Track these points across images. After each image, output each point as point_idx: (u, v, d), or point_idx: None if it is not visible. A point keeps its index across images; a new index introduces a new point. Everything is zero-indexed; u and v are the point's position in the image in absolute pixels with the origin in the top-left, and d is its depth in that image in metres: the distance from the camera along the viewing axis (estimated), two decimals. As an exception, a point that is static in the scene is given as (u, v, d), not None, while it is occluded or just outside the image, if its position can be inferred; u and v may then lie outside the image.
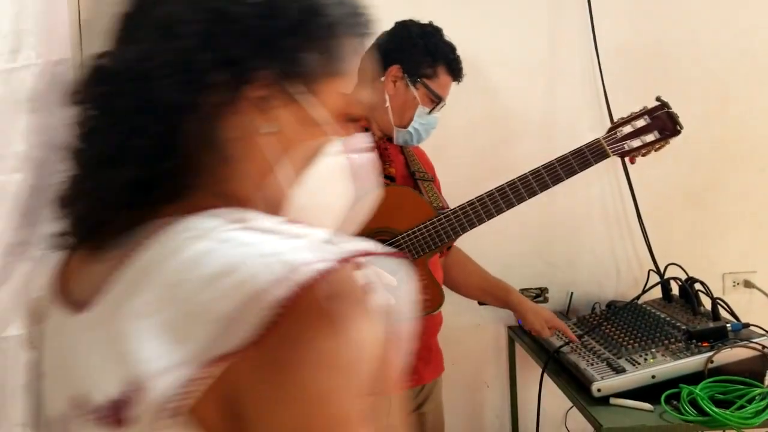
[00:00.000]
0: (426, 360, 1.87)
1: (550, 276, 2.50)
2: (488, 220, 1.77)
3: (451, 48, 1.88)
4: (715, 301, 1.93)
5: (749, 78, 2.48)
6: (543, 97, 2.46)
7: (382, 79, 1.83)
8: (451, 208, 1.77)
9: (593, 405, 1.69)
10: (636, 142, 1.74)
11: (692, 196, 2.49)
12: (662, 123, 1.74)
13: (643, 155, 1.76)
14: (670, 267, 2.23)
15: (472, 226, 1.76)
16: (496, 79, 2.43)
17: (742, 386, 1.64)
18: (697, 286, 2.07)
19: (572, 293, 2.46)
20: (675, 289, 2.16)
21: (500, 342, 2.50)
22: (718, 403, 1.60)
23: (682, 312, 2.02)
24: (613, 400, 1.69)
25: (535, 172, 1.76)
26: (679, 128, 1.75)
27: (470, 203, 1.77)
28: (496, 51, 2.42)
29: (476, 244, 2.38)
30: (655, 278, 2.24)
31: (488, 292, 2.05)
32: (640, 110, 1.76)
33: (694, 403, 1.60)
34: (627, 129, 1.74)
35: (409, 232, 1.73)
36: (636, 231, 2.44)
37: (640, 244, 2.44)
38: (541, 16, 2.44)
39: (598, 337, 1.97)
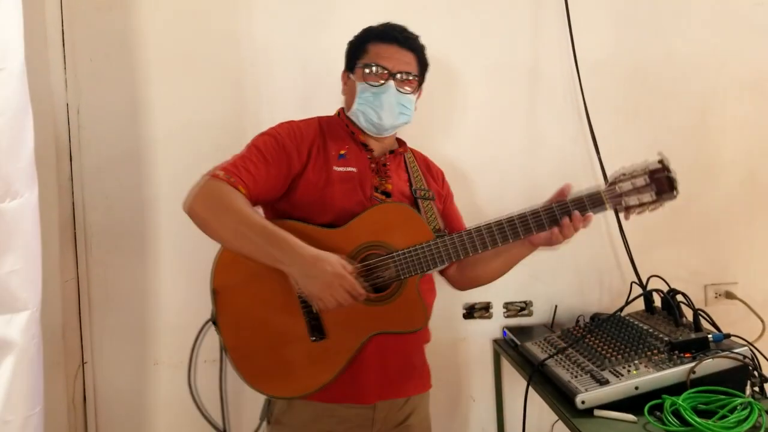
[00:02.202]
0: (407, 375, 1.86)
1: (534, 289, 2.52)
2: (483, 251, 1.74)
3: (378, 26, 1.87)
4: (696, 312, 1.94)
5: (727, 91, 2.52)
6: (524, 112, 2.48)
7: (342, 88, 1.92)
8: (450, 234, 1.75)
9: (578, 417, 1.70)
10: (633, 200, 1.72)
11: (673, 208, 2.47)
12: (660, 184, 1.72)
13: (638, 214, 1.74)
14: (652, 279, 2.26)
15: (466, 255, 1.73)
16: (476, 94, 2.45)
17: (724, 396, 1.66)
18: (679, 297, 2.09)
19: (556, 306, 2.48)
20: (657, 301, 2.18)
21: (486, 355, 2.51)
22: (701, 414, 1.61)
23: (664, 323, 2.03)
24: (597, 412, 1.70)
25: (534, 213, 1.73)
26: (675, 193, 1.71)
27: (467, 233, 1.73)
28: (477, 67, 2.45)
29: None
30: (637, 290, 2.26)
31: (505, 251, 1.87)
32: (642, 168, 1.74)
33: (677, 414, 1.61)
34: (626, 185, 1.72)
35: (404, 250, 1.71)
36: (618, 244, 2.46)
37: (622, 256, 2.46)
38: (522, 33, 2.47)
39: (582, 349, 1.98)
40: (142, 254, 2.36)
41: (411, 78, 1.84)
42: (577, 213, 1.71)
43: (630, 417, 1.66)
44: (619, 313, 2.15)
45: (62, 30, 2.34)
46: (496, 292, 2.50)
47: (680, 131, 2.51)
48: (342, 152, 1.82)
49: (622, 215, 1.76)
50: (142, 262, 2.37)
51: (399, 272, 1.71)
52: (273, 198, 1.78)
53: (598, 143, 2.43)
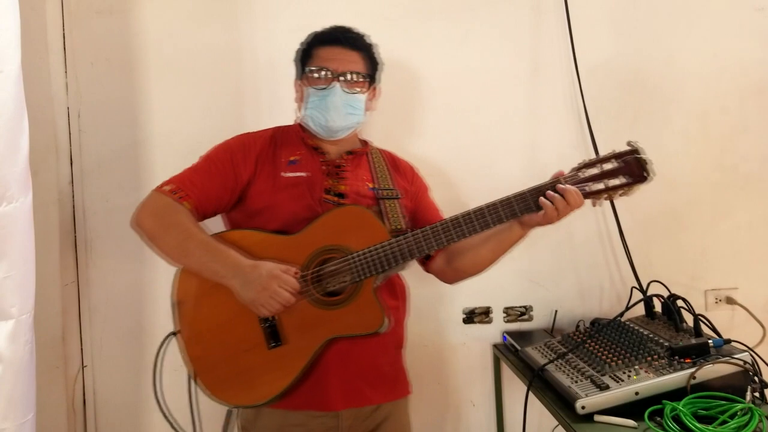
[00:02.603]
0: (375, 382, 1.82)
1: (534, 294, 2.52)
2: (439, 248, 1.73)
3: (319, 30, 1.89)
4: (697, 317, 1.94)
5: (728, 97, 2.52)
6: (524, 118, 2.48)
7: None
8: (406, 233, 1.74)
9: (578, 422, 1.70)
10: (599, 185, 1.69)
11: (674, 213, 2.52)
12: (630, 168, 1.68)
13: (606, 199, 1.71)
14: (652, 284, 2.25)
15: (421, 252, 1.72)
16: (477, 100, 2.45)
17: (724, 402, 1.66)
18: (680, 302, 2.08)
19: (556, 311, 2.48)
20: (658, 306, 2.18)
21: (486, 360, 2.51)
22: (701, 419, 1.60)
23: (664, 329, 2.03)
24: (597, 417, 1.70)
25: (491, 206, 1.72)
26: (646, 174, 1.66)
27: (423, 230, 1.72)
28: (478, 73, 2.45)
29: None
30: (638, 295, 2.26)
31: (493, 236, 1.83)
32: (610, 153, 1.71)
33: (677, 420, 1.61)
34: (593, 171, 1.69)
35: (358, 252, 1.71)
36: (619, 249, 2.46)
37: (623, 261, 2.46)
38: (522, 39, 2.47)
39: (582, 354, 1.98)
40: (142, 258, 2.35)
41: (358, 78, 1.83)
42: (567, 191, 1.68)
43: (630, 422, 1.66)
44: (619, 318, 2.15)
45: (63, 34, 2.34)
46: (496, 297, 2.50)
47: (680, 137, 2.51)
48: (293, 158, 1.83)
49: (589, 201, 1.72)
50: (142, 266, 2.37)
51: (354, 275, 1.71)
52: (223, 209, 1.82)
53: (599, 149, 2.43)
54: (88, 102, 2.35)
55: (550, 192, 1.70)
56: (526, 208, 1.72)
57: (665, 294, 2.14)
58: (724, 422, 1.59)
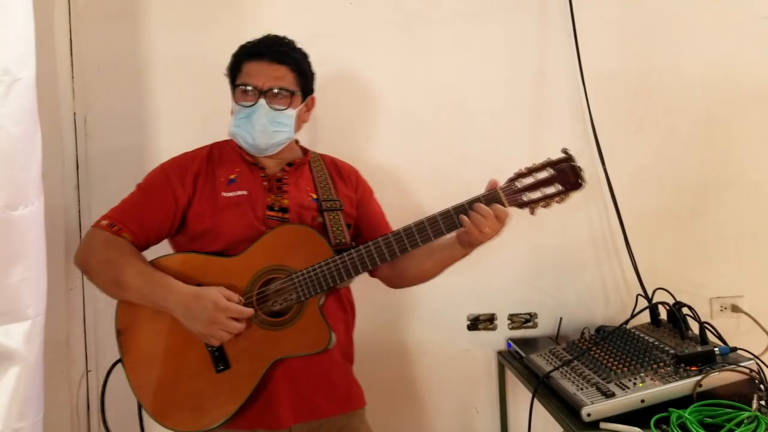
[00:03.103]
0: (326, 395, 1.78)
1: (539, 302, 2.52)
2: (382, 263, 1.71)
3: (251, 41, 1.84)
4: (702, 325, 1.94)
5: (733, 103, 2.52)
6: (530, 124, 2.48)
7: None
8: (349, 249, 1.73)
9: (583, 430, 1.69)
10: (536, 194, 1.68)
11: (679, 221, 2.52)
12: (566, 176, 1.68)
13: (544, 207, 1.69)
14: (658, 292, 2.25)
15: (365, 268, 1.72)
16: (481, 106, 2.46)
17: (730, 410, 1.65)
18: (685, 310, 2.08)
19: (561, 318, 2.47)
20: (663, 314, 2.17)
21: (490, 367, 2.50)
22: (707, 427, 1.60)
23: (670, 336, 2.03)
24: (603, 425, 1.69)
25: (431, 219, 1.69)
26: (580, 182, 1.67)
27: (365, 246, 1.71)
28: (482, 79, 2.46)
29: (464, 271, 2.39)
30: (643, 303, 2.25)
31: (437, 252, 1.81)
32: (544, 162, 1.70)
33: (683, 427, 1.60)
34: (528, 180, 1.68)
35: (302, 271, 1.69)
36: (624, 256, 2.45)
37: (628, 269, 2.45)
38: (528, 46, 2.47)
39: (588, 361, 1.98)
40: (148, 263, 2.36)
41: (285, 93, 1.79)
42: (481, 209, 1.65)
43: (636, 430, 1.65)
44: (624, 325, 2.14)
45: (70, 39, 2.35)
46: (500, 304, 2.50)
47: (686, 144, 2.51)
48: (232, 177, 1.79)
49: (526, 210, 1.70)
50: (147, 271, 2.37)
51: (298, 294, 1.69)
52: (166, 235, 1.80)
53: (604, 156, 2.43)
54: (95, 107, 2.36)
55: (471, 211, 1.67)
56: (451, 226, 1.69)
57: (671, 301, 2.13)
58: (731, 430, 1.58)
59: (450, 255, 1.81)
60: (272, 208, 1.77)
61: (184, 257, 1.73)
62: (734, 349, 1.84)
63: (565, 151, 1.70)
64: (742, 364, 1.74)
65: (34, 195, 1.67)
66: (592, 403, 1.71)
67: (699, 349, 1.85)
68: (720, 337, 1.96)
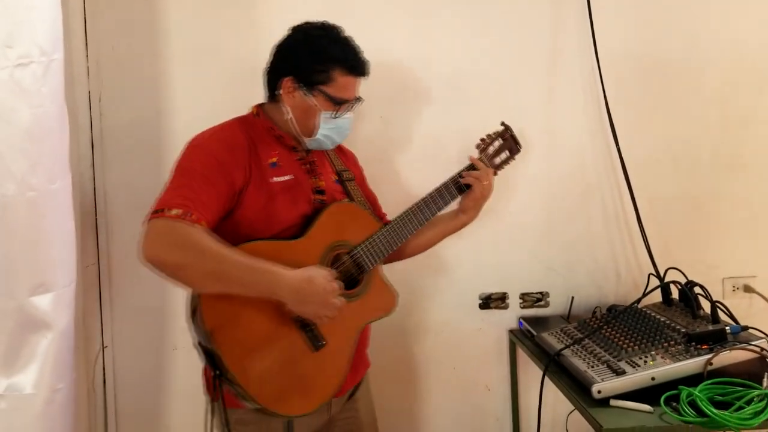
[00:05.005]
0: (364, 361, 1.95)
1: (551, 281, 2.52)
2: (421, 226, 1.92)
3: (341, 46, 1.78)
4: (714, 304, 1.94)
5: (748, 83, 2.50)
6: (544, 105, 2.48)
7: (279, 92, 1.79)
8: (395, 217, 1.91)
9: (593, 407, 1.71)
10: (498, 159, 2.08)
11: (692, 200, 2.51)
12: (511, 144, 2.09)
13: (501, 169, 2.09)
14: (670, 271, 2.25)
15: (410, 233, 1.91)
16: (497, 88, 2.45)
17: (740, 388, 1.66)
18: (697, 289, 2.08)
19: (573, 297, 2.48)
20: (675, 293, 2.18)
21: (501, 345, 2.52)
22: (717, 405, 1.61)
23: (681, 315, 2.03)
24: (613, 402, 1.71)
25: (444, 184, 1.98)
26: (519, 147, 2.11)
27: (405, 213, 1.91)
28: (498, 60, 2.45)
29: (477, 251, 2.41)
30: (655, 282, 2.25)
31: (440, 222, 2.03)
32: (492, 135, 2.08)
33: (693, 405, 1.61)
34: (491, 149, 2.07)
35: (362, 244, 1.81)
36: (636, 235, 2.45)
37: (640, 248, 2.45)
38: (543, 26, 2.46)
39: (599, 340, 1.99)
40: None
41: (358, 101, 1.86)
42: (479, 165, 2.01)
43: (646, 407, 1.66)
44: (636, 304, 2.15)
45: (84, 18, 2.36)
46: (512, 283, 2.51)
47: (700, 124, 2.50)
48: (273, 160, 1.76)
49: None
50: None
51: (365, 264, 1.81)
52: (222, 220, 1.70)
53: (618, 136, 2.42)
54: (109, 86, 2.37)
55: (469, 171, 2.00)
56: (460, 189, 1.99)
57: (683, 281, 2.13)
58: (741, 408, 1.59)
59: (452, 224, 2.05)
60: (315, 192, 1.81)
61: (254, 245, 1.65)
62: (745, 328, 1.84)
63: (503, 123, 2.11)
64: (753, 343, 1.75)
65: (66, 170, 1.79)
66: (603, 380, 1.73)
67: (710, 327, 1.86)
68: (731, 316, 1.96)
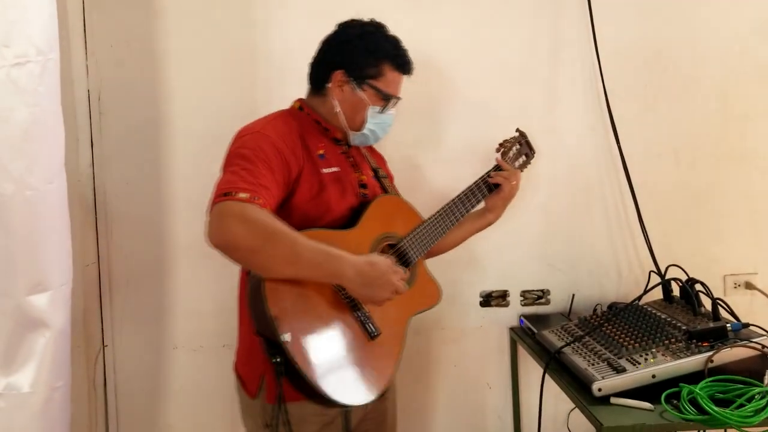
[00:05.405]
0: None
1: (552, 278, 2.52)
2: (457, 222, 1.99)
3: (393, 44, 1.84)
4: (715, 301, 1.93)
5: (749, 79, 2.49)
6: (544, 102, 2.47)
7: (329, 85, 1.81)
8: (432, 214, 1.95)
9: (594, 404, 1.70)
10: (518, 162, 2.20)
11: (693, 197, 2.50)
12: (527, 148, 2.21)
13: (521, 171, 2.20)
14: (671, 268, 2.24)
15: (450, 227, 1.97)
16: (494, 80, 2.44)
17: (741, 385, 1.65)
18: (698, 287, 2.07)
19: (574, 295, 2.48)
20: (676, 291, 2.17)
21: (502, 343, 2.51)
22: (718, 402, 1.60)
23: (682, 312, 2.02)
24: (613, 400, 1.70)
25: (475, 184, 2.05)
26: (533, 152, 2.23)
27: (448, 206, 1.97)
28: (497, 55, 2.44)
29: (478, 248, 2.40)
30: (656, 279, 2.24)
31: (467, 221, 2.09)
32: (513, 139, 2.18)
33: (694, 402, 1.61)
34: (511, 153, 2.17)
35: (408, 236, 1.85)
36: (637, 232, 2.45)
37: (641, 245, 2.44)
38: (542, 21, 2.45)
39: (599, 337, 1.98)
40: (162, 239, 2.39)
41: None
42: (505, 166, 2.08)
43: (647, 405, 1.66)
44: (636, 301, 2.14)
45: (83, 17, 2.36)
46: (513, 281, 2.50)
47: (701, 118, 2.49)
48: (320, 152, 1.79)
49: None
50: (161, 247, 2.39)
51: (411, 256, 1.85)
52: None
53: (618, 131, 2.42)
54: (109, 84, 2.37)
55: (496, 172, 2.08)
56: (489, 188, 2.06)
57: (683, 278, 2.13)
58: (742, 405, 1.58)
59: (478, 223, 2.12)
60: (359, 185, 1.85)
61: (313, 233, 1.64)
62: (746, 325, 1.84)
63: (518, 130, 2.21)
64: (754, 340, 1.74)
65: (61, 169, 1.80)
66: (603, 378, 1.72)
67: (711, 325, 1.85)
68: (732, 314, 1.96)
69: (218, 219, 1.51)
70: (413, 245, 1.86)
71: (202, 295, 2.39)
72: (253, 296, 1.59)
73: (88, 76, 2.36)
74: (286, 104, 1.92)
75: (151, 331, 2.43)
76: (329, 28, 1.87)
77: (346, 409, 1.74)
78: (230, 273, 2.37)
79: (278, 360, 1.54)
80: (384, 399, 1.90)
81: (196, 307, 2.40)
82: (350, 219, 1.78)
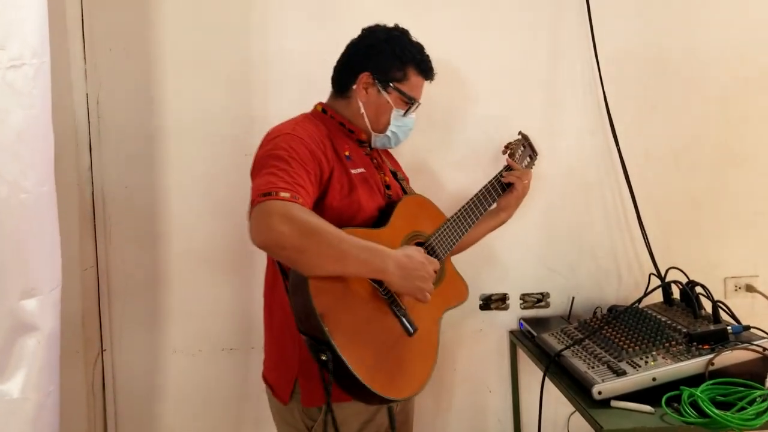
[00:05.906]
0: None
1: (551, 281, 2.51)
2: (477, 220, 2.03)
3: (418, 49, 1.88)
4: (716, 304, 1.92)
5: (749, 81, 2.49)
6: (544, 105, 2.46)
7: (354, 87, 1.84)
8: (453, 213, 1.97)
9: (594, 408, 1.70)
10: (524, 162, 2.26)
11: (693, 199, 2.50)
12: (531, 150, 2.30)
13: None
14: (671, 271, 2.24)
15: (471, 225, 2.00)
16: (494, 85, 2.44)
17: (742, 388, 1.65)
18: (698, 289, 2.07)
19: (574, 298, 2.47)
20: (676, 293, 2.16)
21: (502, 346, 2.51)
22: (719, 405, 1.60)
23: (683, 315, 2.02)
24: (614, 403, 1.70)
25: (490, 184, 2.10)
26: (536, 154, 2.33)
27: (467, 205, 2.00)
28: (497, 59, 2.43)
29: (478, 250, 2.39)
30: (656, 282, 2.24)
31: (482, 221, 2.11)
32: (517, 141, 2.26)
33: (694, 405, 1.60)
34: (517, 155, 2.23)
35: (435, 234, 1.88)
36: (637, 235, 2.44)
37: (641, 248, 2.44)
38: (542, 24, 2.45)
39: (599, 340, 1.98)
40: (161, 243, 2.38)
41: None
42: (515, 166, 2.16)
43: (647, 408, 1.65)
44: (637, 304, 2.14)
45: (82, 20, 2.35)
46: (513, 284, 2.50)
47: (701, 122, 2.49)
48: (347, 153, 1.81)
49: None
50: (160, 251, 2.39)
51: (440, 253, 1.87)
52: None
53: (618, 135, 2.41)
54: (107, 88, 2.36)
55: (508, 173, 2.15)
56: (503, 188, 2.13)
57: (684, 281, 2.12)
58: (743, 408, 1.58)
59: (493, 222, 2.16)
60: (384, 186, 1.89)
61: (352, 231, 1.64)
62: (747, 328, 1.83)
63: (520, 132, 2.30)
64: (755, 343, 1.74)
65: (51, 173, 1.78)
66: (603, 381, 1.72)
67: (712, 327, 1.84)
68: (733, 316, 1.95)
69: (262, 219, 1.50)
70: (440, 242, 1.89)
71: (201, 298, 2.38)
72: (297, 295, 1.58)
73: (86, 81, 2.35)
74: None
75: (150, 335, 2.42)
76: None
77: (389, 406, 1.77)
78: (228, 277, 2.37)
79: (324, 359, 1.52)
80: (409, 399, 1.93)
81: (195, 310, 2.39)
82: (379, 219, 1.80)
